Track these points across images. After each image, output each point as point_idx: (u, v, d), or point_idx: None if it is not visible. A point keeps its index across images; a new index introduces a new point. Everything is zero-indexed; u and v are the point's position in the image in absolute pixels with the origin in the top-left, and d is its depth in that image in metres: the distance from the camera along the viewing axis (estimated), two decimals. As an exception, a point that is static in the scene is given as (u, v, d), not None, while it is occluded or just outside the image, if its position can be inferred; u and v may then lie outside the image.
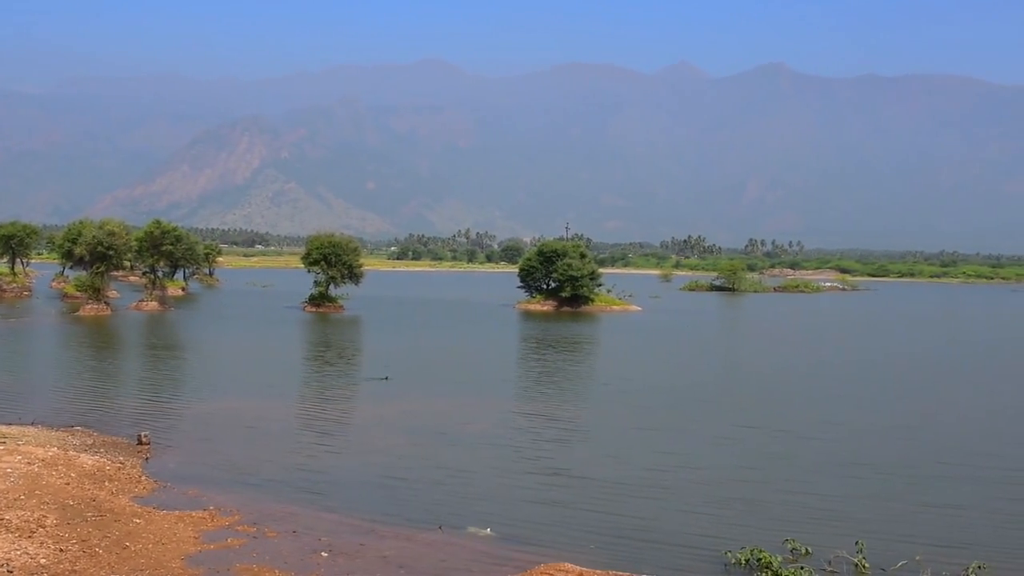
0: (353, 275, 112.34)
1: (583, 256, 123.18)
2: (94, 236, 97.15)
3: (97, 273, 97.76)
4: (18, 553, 20.71)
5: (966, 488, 31.53)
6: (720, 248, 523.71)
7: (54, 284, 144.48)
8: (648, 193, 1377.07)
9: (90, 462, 30.48)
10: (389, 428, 39.70)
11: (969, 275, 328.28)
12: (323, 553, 22.77)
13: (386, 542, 23.97)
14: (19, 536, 21.86)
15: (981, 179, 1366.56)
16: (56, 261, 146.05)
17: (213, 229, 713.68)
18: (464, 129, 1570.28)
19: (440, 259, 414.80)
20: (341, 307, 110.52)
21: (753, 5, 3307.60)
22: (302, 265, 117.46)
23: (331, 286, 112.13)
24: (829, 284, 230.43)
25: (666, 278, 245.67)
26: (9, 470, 27.75)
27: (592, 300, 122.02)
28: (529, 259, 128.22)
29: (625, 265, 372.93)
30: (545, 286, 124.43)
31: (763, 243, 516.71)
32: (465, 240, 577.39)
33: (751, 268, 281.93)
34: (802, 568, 22.29)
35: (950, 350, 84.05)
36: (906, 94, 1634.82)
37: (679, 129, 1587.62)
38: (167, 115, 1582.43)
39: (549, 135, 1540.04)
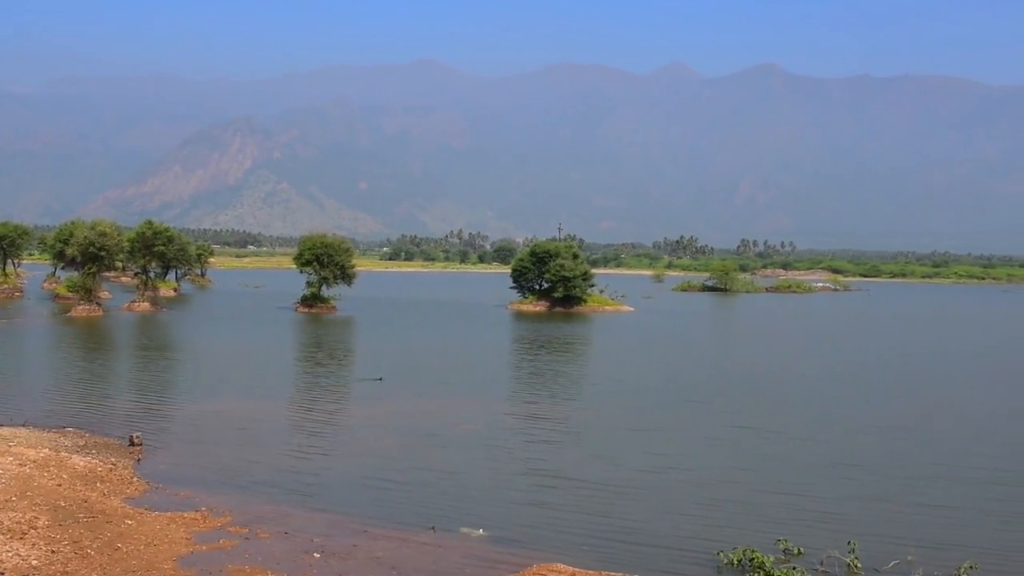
0: (345, 276, 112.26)
1: (575, 257, 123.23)
2: (86, 237, 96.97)
3: (89, 274, 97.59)
4: (10, 555, 20.66)
5: (958, 489, 31.61)
6: (712, 248, 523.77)
7: (45, 285, 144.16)
8: (641, 194, 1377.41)
9: (82, 463, 30.42)
10: (381, 429, 39.69)
11: (961, 275, 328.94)
12: (315, 554, 22.75)
13: (379, 543, 23.96)
14: (11, 537, 21.80)
15: (973, 180, 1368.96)
16: (48, 262, 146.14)
17: (205, 230, 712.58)
18: (457, 129, 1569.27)
19: (432, 260, 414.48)
20: (333, 308, 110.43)
21: (746, 6, 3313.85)
22: (294, 266, 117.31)
23: (323, 287, 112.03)
24: (821, 284, 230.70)
25: (658, 278, 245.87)
26: (0, 472, 27.69)
27: (585, 301, 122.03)
28: (522, 260, 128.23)
29: (618, 266, 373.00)
30: (538, 287, 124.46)
31: (755, 243, 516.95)
32: (458, 241, 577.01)
33: (743, 268, 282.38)
34: (794, 568, 22.33)
35: (942, 351, 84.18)
36: (899, 95, 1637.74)
37: (672, 129, 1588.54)
38: (159, 115, 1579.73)
39: (542, 135, 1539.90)
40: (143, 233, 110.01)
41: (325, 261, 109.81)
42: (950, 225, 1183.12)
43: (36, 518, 23.47)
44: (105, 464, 30.89)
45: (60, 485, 27.23)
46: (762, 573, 22.00)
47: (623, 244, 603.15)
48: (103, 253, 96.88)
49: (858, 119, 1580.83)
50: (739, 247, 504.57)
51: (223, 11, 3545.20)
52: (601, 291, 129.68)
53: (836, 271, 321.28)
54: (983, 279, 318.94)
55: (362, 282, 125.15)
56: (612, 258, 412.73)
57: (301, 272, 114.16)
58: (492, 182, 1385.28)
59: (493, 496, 29.50)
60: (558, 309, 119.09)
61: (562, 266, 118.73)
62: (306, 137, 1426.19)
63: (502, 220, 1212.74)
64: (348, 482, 30.82)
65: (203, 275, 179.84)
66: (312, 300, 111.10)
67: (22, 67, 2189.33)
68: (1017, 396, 56.12)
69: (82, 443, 34.27)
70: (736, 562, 22.90)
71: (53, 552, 21.21)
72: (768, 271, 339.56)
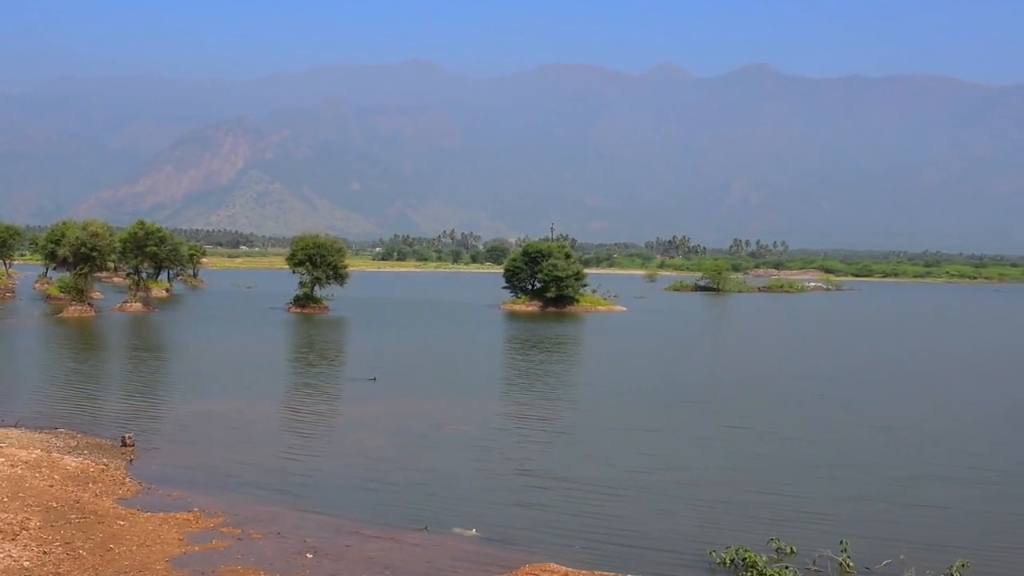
0: (338, 276, 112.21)
1: (568, 256, 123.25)
2: (78, 237, 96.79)
3: (81, 274, 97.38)
4: (1, 556, 20.63)
5: (950, 489, 31.67)
6: (705, 248, 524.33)
7: (37, 285, 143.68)
8: (633, 194, 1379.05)
9: (74, 464, 30.37)
10: (374, 429, 39.67)
11: (952, 275, 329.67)
12: (308, 554, 22.73)
13: (371, 543, 23.95)
14: (2, 539, 21.77)
15: (965, 180, 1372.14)
16: (39, 262, 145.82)
17: (197, 230, 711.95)
18: (449, 130, 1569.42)
19: (425, 260, 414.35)
20: (326, 308, 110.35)
21: (738, 6, 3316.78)
22: (287, 266, 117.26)
23: (316, 287, 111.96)
24: (813, 284, 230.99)
25: (651, 278, 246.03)
26: (-8, 472, 27.64)
27: (577, 300, 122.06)
28: (514, 259, 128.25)
29: (610, 265, 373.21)
30: (530, 286, 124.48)
31: (748, 243, 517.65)
32: (450, 241, 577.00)
33: (736, 268, 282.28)
34: (787, 567, 22.35)
35: (934, 351, 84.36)
36: (890, 95, 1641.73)
37: (664, 130, 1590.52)
38: (151, 116, 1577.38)
39: (534, 136, 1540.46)
40: (135, 233, 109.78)
41: (318, 261, 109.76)
42: (942, 225, 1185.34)
43: (28, 519, 23.44)
44: (97, 465, 30.83)
45: (52, 486, 27.19)
46: (755, 572, 22.02)
47: (615, 244, 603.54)
48: (95, 253, 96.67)
49: (850, 119, 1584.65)
50: (731, 247, 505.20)
51: (215, 11, 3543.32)
52: (594, 291, 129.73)
53: (828, 271, 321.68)
54: (975, 279, 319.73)
55: (355, 282, 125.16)
56: (605, 258, 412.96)
57: (294, 272, 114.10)
58: (485, 182, 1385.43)
59: (486, 496, 29.51)
60: (551, 309, 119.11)
61: (555, 266, 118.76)
62: (298, 137, 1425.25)
63: (495, 220, 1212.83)
64: (341, 482, 30.81)
65: (195, 275, 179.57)
66: (305, 300, 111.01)
67: (14, 67, 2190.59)
68: (1009, 396, 56.23)
69: (74, 444, 34.21)
70: (729, 561, 22.93)
71: (45, 553, 21.17)
72: (760, 271, 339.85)
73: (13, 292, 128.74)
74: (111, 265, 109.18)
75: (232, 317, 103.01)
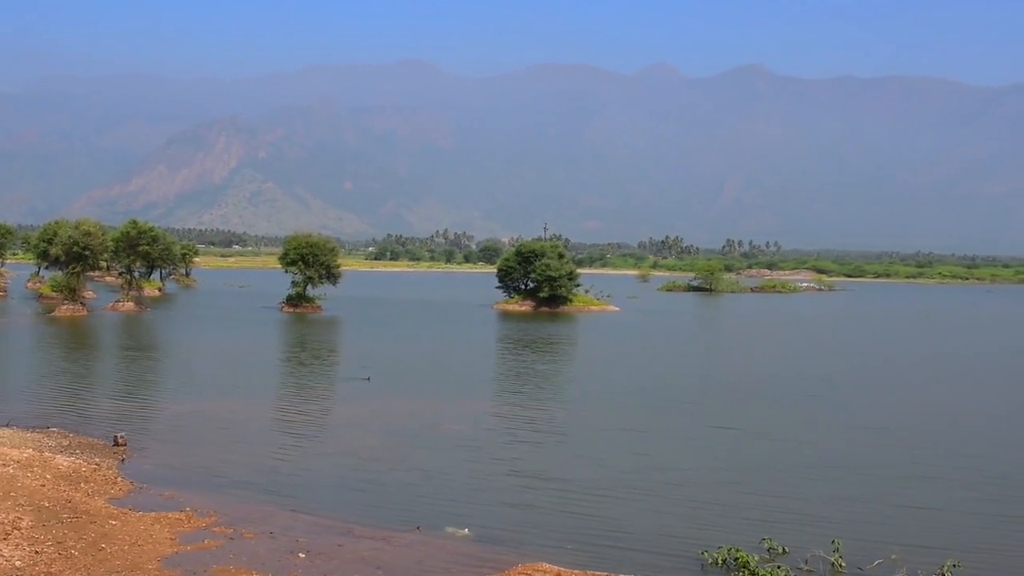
0: (331, 275, 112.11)
1: (561, 256, 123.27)
2: (70, 236, 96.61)
3: (73, 273, 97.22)
4: (-7, 555, 20.60)
5: (942, 489, 31.75)
6: (698, 248, 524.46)
7: (29, 284, 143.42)
8: (626, 194, 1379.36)
9: (66, 463, 30.33)
10: (366, 429, 39.67)
11: (944, 276, 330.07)
12: (300, 554, 22.72)
13: (364, 543, 23.95)
14: (-6, 538, 21.73)
15: (957, 181, 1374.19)
16: (31, 261, 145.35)
17: (190, 229, 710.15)
18: (442, 129, 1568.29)
19: (418, 259, 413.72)
20: (319, 307, 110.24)
21: (731, 6, 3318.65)
22: (279, 265, 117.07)
23: (309, 286, 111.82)
24: (806, 284, 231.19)
25: (644, 278, 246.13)
26: (-16, 472, 27.59)
27: (570, 300, 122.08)
28: (507, 259, 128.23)
29: (603, 265, 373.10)
30: (523, 286, 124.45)
31: (740, 243, 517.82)
32: (443, 240, 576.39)
33: (728, 268, 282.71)
34: (779, 567, 22.39)
35: (925, 352, 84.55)
36: (883, 96, 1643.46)
37: (657, 130, 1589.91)
38: (144, 115, 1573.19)
39: (527, 135, 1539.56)
40: (127, 233, 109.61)
41: (310, 261, 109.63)
42: (934, 225, 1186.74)
43: (20, 519, 23.40)
44: (89, 464, 30.80)
45: (44, 485, 27.15)
46: (747, 572, 22.06)
47: (608, 244, 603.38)
48: (87, 253, 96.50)
49: (843, 120, 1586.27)
50: (724, 247, 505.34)
51: (209, 11, 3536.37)
52: (587, 291, 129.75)
53: (821, 271, 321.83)
54: (967, 279, 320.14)
55: (347, 282, 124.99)
56: (598, 258, 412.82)
57: (286, 272, 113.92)
58: (478, 182, 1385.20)
59: (478, 496, 29.53)
60: (544, 309, 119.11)
61: (548, 266, 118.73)
62: (292, 137, 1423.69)
63: (488, 220, 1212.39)
64: (333, 482, 30.81)
65: (188, 275, 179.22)
66: (297, 300, 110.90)
67: (6, 66, 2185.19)
68: (1001, 397, 56.39)
69: (66, 443, 34.17)
70: (721, 561, 22.97)
71: (37, 553, 21.14)
72: (753, 271, 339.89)
73: (5, 291, 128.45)
74: (103, 264, 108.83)
75: (225, 316, 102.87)
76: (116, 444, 34.28)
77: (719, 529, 26.01)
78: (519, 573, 21.54)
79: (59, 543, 21.99)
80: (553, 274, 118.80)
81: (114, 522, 24.28)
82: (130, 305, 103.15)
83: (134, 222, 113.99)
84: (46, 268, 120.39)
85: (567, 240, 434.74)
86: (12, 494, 25.56)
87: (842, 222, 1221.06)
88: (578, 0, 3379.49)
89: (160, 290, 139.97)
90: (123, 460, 32.42)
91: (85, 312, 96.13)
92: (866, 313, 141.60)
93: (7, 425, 37.11)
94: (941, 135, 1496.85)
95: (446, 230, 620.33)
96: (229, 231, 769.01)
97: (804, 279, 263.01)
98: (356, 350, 73.08)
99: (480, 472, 32.63)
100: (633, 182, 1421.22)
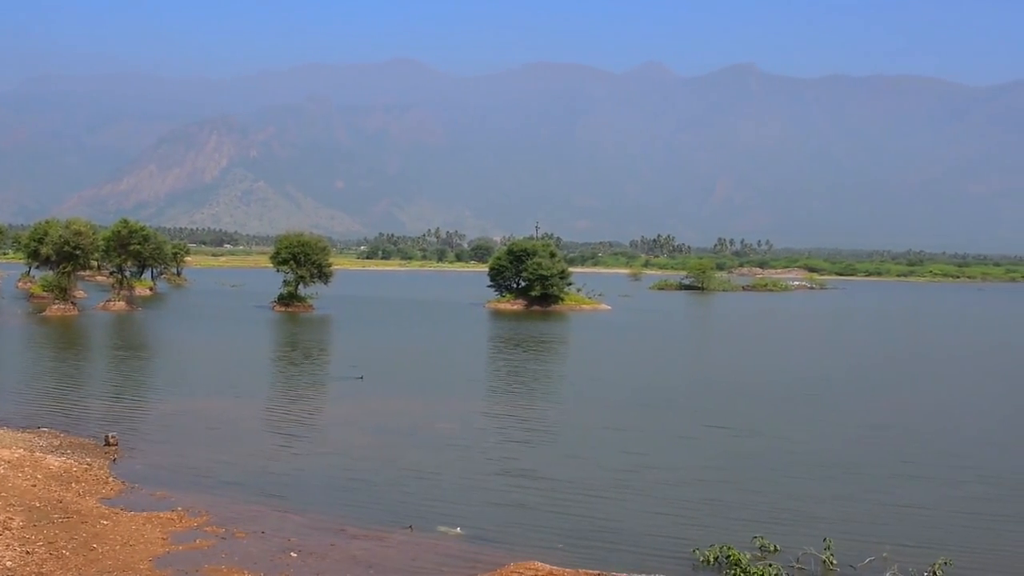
0: (322, 274, 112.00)
1: (553, 255, 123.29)
2: (60, 236, 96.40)
3: (64, 273, 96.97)
4: (-16, 555, 20.54)
5: (933, 488, 31.81)
6: (689, 247, 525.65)
7: (20, 284, 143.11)
8: (618, 192, 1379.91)
9: (56, 463, 30.26)
10: (358, 428, 39.64)
11: (936, 274, 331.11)
12: (292, 554, 22.70)
13: (356, 542, 23.94)
14: (-16, 538, 21.67)
15: (947, 180, 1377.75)
16: (22, 261, 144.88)
17: (181, 228, 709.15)
18: (434, 128, 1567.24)
19: (410, 258, 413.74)
20: (310, 307, 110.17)
21: (722, 5, 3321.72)
22: (271, 264, 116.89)
23: (300, 285, 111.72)
24: (797, 283, 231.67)
25: (636, 277, 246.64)
26: (-26, 472, 27.51)
27: (562, 299, 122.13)
28: (499, 258, 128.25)
29: (595, 264, 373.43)
30: (515, 285, 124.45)
31: (732, 242, 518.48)
32: (435, 239, 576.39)
33: (720, 267, 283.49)
34: (770, 565, 22.41)
35: (916, 350, 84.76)
36: (873, 95, 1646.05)
37: (649, 129, 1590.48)
38: (134, 114, 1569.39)
39: (519, 134, 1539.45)
40: (118, 232, 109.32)
41: (302, 260, 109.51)
42: (925, 224, 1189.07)
43: (10, 519, 23.33)
44: (80, 464, 30.73)
45: (35, 485, 27.08)
46: (738, 570, 22.08)
47: (600, 243, 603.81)
48: (78, 252, 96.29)
49: (833, 119, 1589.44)
50: (716, 246, 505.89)
51: (198, 9, 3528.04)
52: (579, 290, 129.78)
53: (812, 270, 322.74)
54: (958, 278, 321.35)
55: (339, 281, 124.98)
56: (589, 257, 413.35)
57: (278, 271, 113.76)
58: (470, 181, 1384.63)
59: (470, 495, 29.52)
60: (535, 308, 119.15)
61: (539, 265, 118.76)
62: (283, 135, 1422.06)
63: (480, 219, 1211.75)
64: (325, 481, 30.79)
65: (179, 274, 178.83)
66: (289, 299, 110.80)
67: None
68: (992, 394, 56.54)
69: (57, 443, 34.08)
70: (712, 559, 23.00)
71: (28, 553, 21.09)
72: (745, 270, 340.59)
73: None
74: (94, 264, 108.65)
75: (216, 316, 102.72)
76: (107, 444, 34.19)
77: (711, 527, 26.03)
78: (511, 572, 21.55)
79: (50, 543, 21.94)
80: (545, 273, 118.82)
81: (105, 522, 24.23)
82: (121, 304, 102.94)
83: (125, 221, 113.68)
84: (37, 268, 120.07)
85: (559, 239, 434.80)
86: (3, 494, 25.48)
87: (833, 221, 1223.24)
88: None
89: (151, 289, 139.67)
90: (114, 460, 32.34)
91: (76, 312, 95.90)
92: (858, 311, 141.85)
93: (-2, 425, 37.00)
94: (931, 134, 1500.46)
95: (438, 229, 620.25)
96: (220, 230, 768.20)
97: (795, 278, 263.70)
98: (348, 349, 73.05)
99: (472, 471, 32.63)
100: (625, 181, 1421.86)
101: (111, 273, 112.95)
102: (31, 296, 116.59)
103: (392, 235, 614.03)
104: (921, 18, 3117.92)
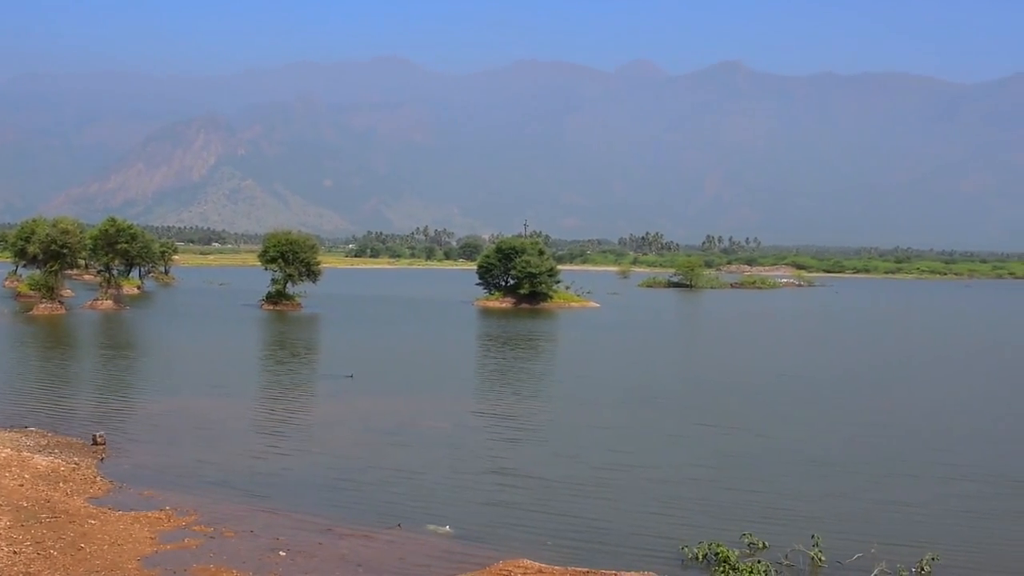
0: (311, 273, 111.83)
1: (541, 253, 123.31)
2: (48, 234, 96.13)
3: (51, 272, 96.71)
4: (-29, 556, 20.48)
5: (921, 485, 31.94)
6: (678, 245, 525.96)
7: (7, 283, 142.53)
8: (606, 190, 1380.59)
9: (44, 463, 30.17)
10: (346, 427, 39.62)
11: (923, 271, 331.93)
12: (281, 552, 22.68)
13: (345, 541, 23.92)
14: (-28, 538, 21.60)
15: (935, 177, 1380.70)
16: (9, 260, 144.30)
17: (169, 227, 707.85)
18: (422, 126, 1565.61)
19: (398, 256, 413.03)
20: (299, 305, 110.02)
21: (711, 3, 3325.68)
22: (259, 263, 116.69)
23: (289, 284, 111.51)
24: (785, 280, 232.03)
25: (624, 275, 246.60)
26: (-39, 472, 27.42)
27: (551, 297, 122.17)
28: (488, 256, 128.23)
29: (583, 262, 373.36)
30: (503, 283, 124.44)
31: (720, 240, 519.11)
32: (424, 237, 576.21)
33: (708, 264, 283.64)
34: (759, 562, 22.45)
35: (903, 347, 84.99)
36: (862, 92, 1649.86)
37: (637, 126, 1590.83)
38: (121, 112, 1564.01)
39: (508, 132, 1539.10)
40: (106, 230, 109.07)
41: (290, 258, 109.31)
42: (913, 221, 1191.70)
43: (-2, 519, 23.26)
44: (68, 464, 30.65)
45: (22, 485, 27.01)
46: (727, 567, 22.11)
47: (589, 240, 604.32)
48: (65, 251, 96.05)
49: (822, 116, 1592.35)
50: (704, 243, 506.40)
51: (187, 7, 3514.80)
52: (567, 287, 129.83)
53: (800, 267, 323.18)
54: (945, 275, 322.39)
55: (328, 279, 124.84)
56: (578, 254, 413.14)
57: (266, 269, 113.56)
58: (458, 179, 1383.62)
59: (459, 494, 29.53)
60: (524, 305, 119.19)
61: (528, 262, 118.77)
62: (271, 134, 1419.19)
63: (468, 217, 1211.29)
64: (314, 480, 30.75)
65: (167, 273, 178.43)
66: (277, 297, 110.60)
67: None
68: (980, 391, 56.71)
69: (44, 443, 33.98)
70: (701, 556, 23.04)
71: (15, 553, 21.03)
72: (733, 267, 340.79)
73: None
74: (82, 262, 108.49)
75: (204, 314, 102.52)
76: (95, 443, 34.10)
77: (699, 525, 26.08)
78: (500, 570, 21.55)
79: (38, 543, 21.88)
80: (533, 271, 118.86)
81: (93, 521, 24.17)
82: (109, 303, 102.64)
83: (112, 220, 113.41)
84: (24, 266, 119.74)
85: (547, 237, 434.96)
86: (-10, 494, 25.42)
87: (821, 218, 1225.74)
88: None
89: (139, 288, 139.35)
90: (102, 459, 32.26)
91: (63, 311, 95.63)
92: (846, 308, 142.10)
93: (-15, 424, 36.88)
94: (920, 132, 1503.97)
95: (426, 227, 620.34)
96: (208, 229, 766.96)
97: (784, 275, 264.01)
98: (336, 348, 73.05)
99: (461, 470, 32.63)
100: (613, 179, 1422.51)
101: (99, 272, 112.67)
102: (18, 295, 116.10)
103: (381, 233, 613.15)
104: (910, 16, 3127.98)
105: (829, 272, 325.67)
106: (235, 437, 37.13)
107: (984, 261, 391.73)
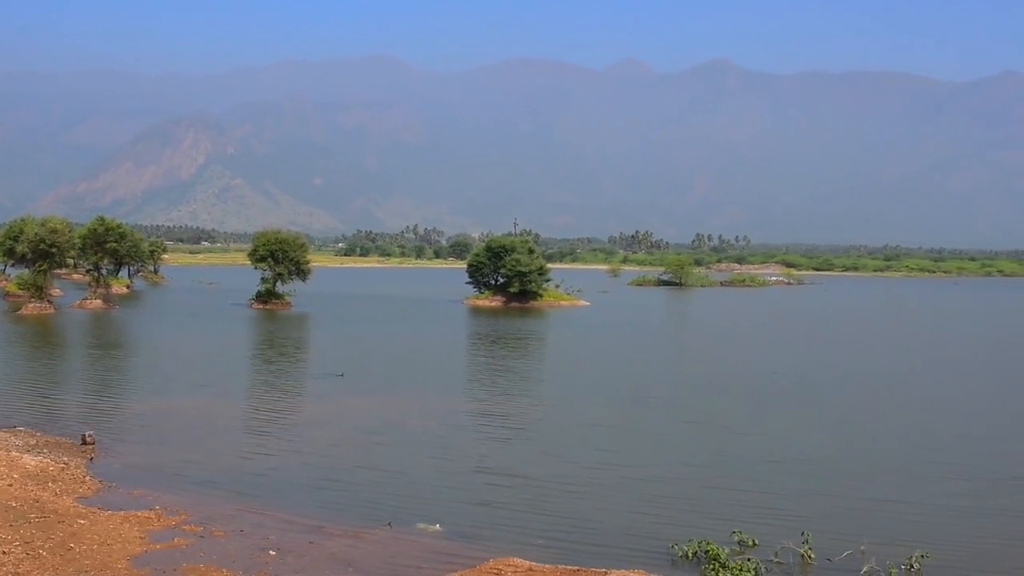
0: (300, 271, 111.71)
1: (531, 251, 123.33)
2: (36, 233, 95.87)
3: (40, 271, 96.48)
4: (-41, 556, 20.41)
5: (910, 483, 31.95)
6: (667, 243, 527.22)
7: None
8: (596, 189, 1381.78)
9: (33, 463, 30.09)
10: (336, 426, 39.58)
11: (912, 269, 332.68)
12: (271, 552, 22.64)
13: (335, 540, 23.90)
14: (-40, 539, 21.53)
15: (923, 175, 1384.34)
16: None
17: (158, 226, 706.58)
18: (412, 125, 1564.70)
19: (388, 255, 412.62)
20: (288, 304, 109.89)
21: (700, 2, 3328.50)
22: (249, 262, 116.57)
23: (278, 283, 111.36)
24: (775, 278, 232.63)
25: (614, 273, 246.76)
26: (-51, 472, 27.34)
27: (540, 295, 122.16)
28: (477, 255, 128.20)
29: (573, 260, 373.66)
30: (493, 282, 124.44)
31: (710, 238, 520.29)
32: (413, 236, 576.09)
33: (698, 263, 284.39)
34: (748, 559, 22.48)
35: (894, 345, 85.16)
36: (850, 91, 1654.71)
37: (627, 125, 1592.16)
38: (110, 111, 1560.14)
39: (497, 131, 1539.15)
40: (95, 229, 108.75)
41: (280, 257, 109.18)
42: (902, 220, 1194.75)
43: (-14, 519, 23.19)
44: (57, 463, 30.57)
45: (11, 485, 26.92)
46: (717, 564, 22.12)
47: (579, 239, 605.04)
48: (54, 250, 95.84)
49: (810, 115, 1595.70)
50: (694, 241, 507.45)
51: (174, 5, 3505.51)
52: (557, 286, 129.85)
53: (790, 265, 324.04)
54: (934, 272, 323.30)
55: (317, 278, 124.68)
56: (568, 253, 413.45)
57: (255, 268, 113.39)
58: (448, 178, 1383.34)
59: (449, 493, 29.50)
60: (514, 304, 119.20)
61: (518, 261, 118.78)
62: (260, 132, 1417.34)
63: (458, 215, 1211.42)
64: (303, 479, 30.71)
65: (156, 272, 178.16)
66: (267, 296, 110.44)
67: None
68: (970, 389, 56.85)
69: (33, 442, 33.89)
70: (691, 554, 23.06)
71: (4, 553, 20.96)
72: (723, 265, 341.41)
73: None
74: (70, 262, 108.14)
75: (194, 313, 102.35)
76: (84, 443, 34.01)
77: (689, 523, 26.08)
78: (491, 568, 21.54)
79: (27, 543, 21.81)
80: (523, 269, 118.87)
81: (83, 521, 24.11)
82: (98, 303, 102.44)
83: (101, 219, 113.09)
84: (12, 266, 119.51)
85: (537, 235, 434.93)
86: (-21, 494, 25.34)
87: (811, 217, 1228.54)
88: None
89: (128, 287, 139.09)
90: (91, 459, 32.18)
91: (52, 310, 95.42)
92: (835, 306, 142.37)
93: (-27, 424, 36.76)
94: (908, 130, 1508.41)
95: (416, 226, 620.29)
96: (198, 228, 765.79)
97: (773, 273, 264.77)
98: (326, 347, 73.00)
99: (451, 469, 32.62)
100: (603, 177, 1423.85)
101: (87, 271, 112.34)
102: (6, 294, 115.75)
103: (370, 232, 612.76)
104: (898, 14, 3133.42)
105: (818, 270, 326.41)
106: (225, 436, 37.08)
107: (973, 259, 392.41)
